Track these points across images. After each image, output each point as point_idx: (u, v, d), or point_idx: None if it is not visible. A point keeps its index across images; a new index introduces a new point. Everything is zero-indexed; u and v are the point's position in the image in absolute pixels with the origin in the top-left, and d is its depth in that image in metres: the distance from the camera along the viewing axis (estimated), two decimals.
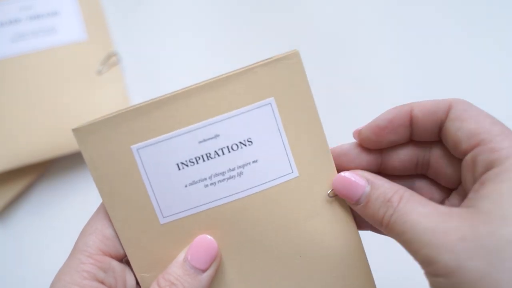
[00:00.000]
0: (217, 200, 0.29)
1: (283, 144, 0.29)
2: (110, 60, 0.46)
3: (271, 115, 0.28)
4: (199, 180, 0.28)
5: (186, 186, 0.28)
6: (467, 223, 0.23)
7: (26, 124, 0.45)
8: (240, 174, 0.28)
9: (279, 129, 0.29)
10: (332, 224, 0.29)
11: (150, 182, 0.28)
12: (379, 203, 0.26)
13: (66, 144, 0.45)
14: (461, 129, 0.25)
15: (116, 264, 0.29)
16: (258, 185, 0.29)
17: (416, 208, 0.25)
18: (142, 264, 0.29)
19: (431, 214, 0.24)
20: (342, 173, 0.28)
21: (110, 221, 0.29)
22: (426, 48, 0.49)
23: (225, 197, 0.29)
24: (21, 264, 0.47)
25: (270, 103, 0.28)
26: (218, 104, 0.28)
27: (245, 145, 0.28)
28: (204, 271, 0.28)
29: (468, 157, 0.25)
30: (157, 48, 0.48)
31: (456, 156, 0.27)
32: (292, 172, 0.29)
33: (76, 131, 0.28)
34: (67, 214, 0.48)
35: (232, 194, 0.29)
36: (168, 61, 0.48)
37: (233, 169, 0.28)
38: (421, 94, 0.46)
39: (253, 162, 0.28)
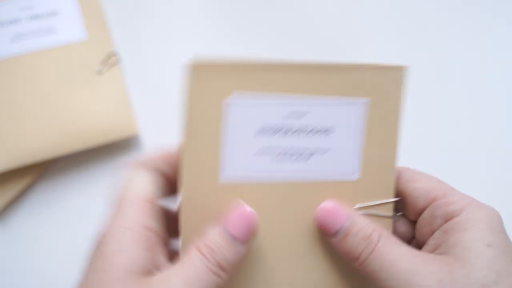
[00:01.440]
0: (277, 176, 0.29)
1: (357, 146, 0.29)
2: (110, 60, 0.46)
3: (359, 115, 0.29)
4: (270, 152, 0.29)
5: (255, 154, 0.29)
6: (443, 268, 0.25)
7: (25, 124, 0.44)
8: (307, 158, 0.29)
9: (359, 130, 0.29)
10: None
11: (226, 139, 0.28)
12: (358, 239, 0.28)
13: (66, 144, 0.45)
14: (416, 189, 0.29)
15: (154, 238, 0.28)
16: (318, 174, 0.30)
17: (394, 248, 0.27)
18: (190, 217, 0.29)
19: (408, 256, 0.26)
20: (326, 203, 0.29)
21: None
22: (426, 46, 0.50)
23: (285, 176, 0.29)
24: (21, 264, 0.47)
25: (363, 103, 0.29)
26: (320, 86, 0.28)
27: (325, 132, 0.29)
28: (243, 242, 0.28)
29: (425, 213, 0.29)
30: (157, 48, 0.48)
31: (409, 217, 0.31)
32: (355, 174, 0.30)
33: (192, 67, 0.27)
34: (67, 214, 0.47)
35: (294, 175, 0.29)
36: (168, 61, 0.48)
37: (305, 151, 0.29)
38: (421, 93, 0.47)
39: (325, 151, 0.29)
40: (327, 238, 0.29)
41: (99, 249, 0.26)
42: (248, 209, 0.28)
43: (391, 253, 0.27)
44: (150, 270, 0.26)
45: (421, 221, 0.30)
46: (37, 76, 0.45)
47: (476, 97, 0.49)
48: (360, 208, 0.30)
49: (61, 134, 0.44)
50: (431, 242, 0.28)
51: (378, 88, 0.29)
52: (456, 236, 0.27)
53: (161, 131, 0.47)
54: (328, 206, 0.29)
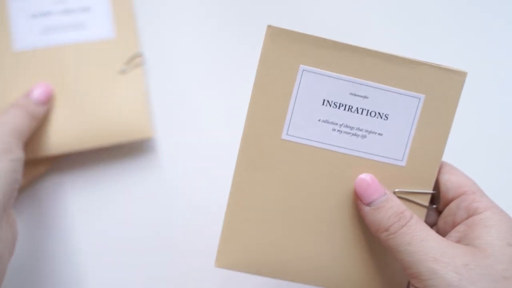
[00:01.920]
0: (333, 145, 0.32)
1: (408, 136, 0.32)
2: (135, 60, 0.47)
3: (414, 108, 0.32)
4: (331, 122, 0.32)
5: (319, 120, 0.32)
6: (468, 254, 0.28)
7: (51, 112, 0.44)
8: (363, 136, 0.32)
9: (413, 122, 0.32)
10: None
11: (295, 100, 0.31)
12: (392, 212, 0.30)
13: (80, 140, 0.44)
14: (449, 181, 0.32)
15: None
16: (371, 154, 0.32)
17: (425, 228, 0.29)
18: (246, 162, 0.32)
19: (437, 238, 0.29)
20: (368, 174, 0.32)
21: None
22: (428, 45, 0.51)
23: (340, 147, 0.32)
24: (24, 260, 0.44)
25: (420, 98, 0.32)
26: (384, 74, 0.31)
27: (381, 117, 0.32)
28: (43, 104, 0.42)
29: (452, 204, 0.32)
30: (181, 52, 0.49)
31: (437, 207, 0.34)
32: (401, 161, 0.33)
33: (271, 28, 0.31)
34: (71, 213, 0.46)
35: (347, 148, 0.32)
36: (192, 65, 0.49)
37: (361, 130, 0.32)
38: None
39: (379, 134, 0.32)
40: (360, 207, 0.32)
41: None
42: (44, 83, 0.43)
43: (422, 231, 0.29)
44: None
45: (447, 211, 0.33)
46: (61, 70, 0.45)
47: (476, 96, 0.50)
48: (400, 192, 0.33)
49: (77, 129, 0.44)
50: (454, 234, 0.31)
51: (437, 87, 0.32)
52: (480, 230, 0.29)
53: (179, 135, 0.48)
54: (370, 177, 0.32)
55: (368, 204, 0.31)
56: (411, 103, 0.32)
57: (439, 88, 0.32)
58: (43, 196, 0.45)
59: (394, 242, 0.29)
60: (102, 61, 0.46)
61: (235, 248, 0.33)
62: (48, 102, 0.43)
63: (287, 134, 0.32)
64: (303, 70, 0.31)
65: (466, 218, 0.31)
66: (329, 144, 0.32)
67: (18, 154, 0.37)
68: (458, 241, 0.30)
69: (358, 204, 0.32)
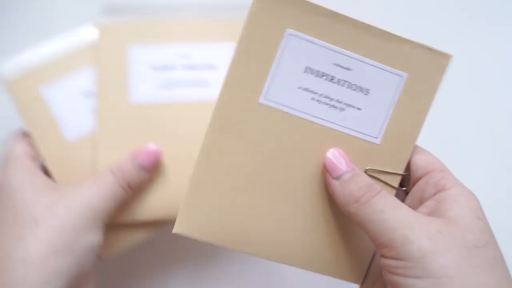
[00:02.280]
0: (310, 115, 0.32)
1: (386, 114, 0.32)
2: None
3: (395, 86, 0.32)
4: (311, 91, 0.31)
5: (299, 88, 0.31)
6: (442, 224, 0.28)
7: (167, 175, 0.40)
8: (342, 109, 0.32)
9: (392, 100, 0.32)
10: None
11: (277, 65, 0.31)
12: (361, 184, 0.30)
13: None
14: (419, 159, 0.32)
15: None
16: (347, 128, 0.32)
17: (395, 200, 0.29)
18: (219, 122, 0.31)
19: (408, 209, 0.29)
20: (337, 149, 0.32)
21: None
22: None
23: (317, 117, 0.32)
24: None
25: (402, 76, 0.31)
26: (370, 48, 0.31)
27: (362, 92, 0.32)
28: (147, 170, 0.38)
29: (421, 181, 0.32)
30: None
31: (406, 190, 0.33)
32: (376, 138, 0.32)
33: None
34: None
35: (324, 120, 0.32)
36: None
37: (340, 102, 0.32)
38: None
39: (357, 108, 0.32)
40: (329, 181, 0.31)
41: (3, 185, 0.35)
42: (155, 147, 0.39)
43: (394, 200, 0.29)
44: (55, 189, 0.35)
45: (415, 188, 0.33)
46: (179, 128, 0.41)
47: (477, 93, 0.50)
48: (371, 170, 0.32)
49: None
50: (422, 209, 0.31)
51: (420, 67, 0.31)
52: (450, 204, 0.29)
53: None
54: (339, 152, 0.32)
55: (337, 178, 0.31)
56: (393, 81, 0.31)
57: (422, 68, 0.31)
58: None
59: (366, 211, 0.29)
60: None
61: (198, 214, 0.31)
62: (153, 169, 0.38)
63: (264, 98, 0.31)
64: (288, 34, 0.30)
65: (434, 194, 0.31)
66: (306, 114, 0.31)
67: (93, 238, 0.34)
68: (428, 215, 0.30)
69: (327, 178, 0.31)
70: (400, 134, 0.32)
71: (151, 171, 0.38)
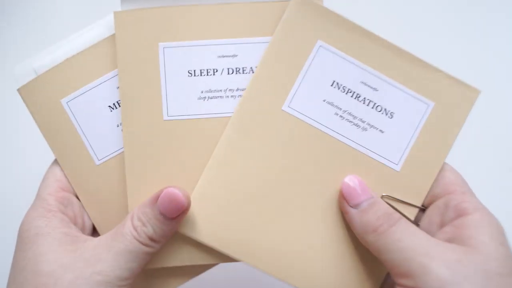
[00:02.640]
0: (331, 130, 0.31)
1: (409, 141, 0.31)
2: None
3: (422, 114, 0.31)
4: (336, 106, 0.31)
5: (324, 100, 0.31)
6: (461, 252, 0.27)
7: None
8: (364, 129, 0.31)
9: (416, 128, 0.31)
10: None
11: (305, 74, 0.31)
12: (381, 213, 0.29)
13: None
14: (440, 175, 0.31)
15: (75, 200, 0.33)
16: (367, 149, 0.31)
17: (415, 228, 0.28)
18: (239, 124, 0.31)
19: (428, 236, 0.28)
20: (355, 177, 0.31)
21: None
22: (430, 46, 0.50)
23: (338, 133, 0.31)
24: None
25: (429, 105, 0.31)
26: (400, 71, 0.31)
27: (386, 114, 0.31)
28: (172, 219, 0.30)
29: (440, 201, 0.30)
30: None
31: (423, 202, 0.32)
32: (396, 164, 0.31)
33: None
34: None
35: (345, 137, 0.31)
36: None
37: (364, 121, 0.31)
38: None
39: (380, 130, 0.31)
40: (346, 209, 0.30)
41: (20, 237, 0.30)
42: (177, 191, 0.29)
43: (412, 227, 0.28)
44: (72, 242, 0.30)
45: (434, 208, 0.31)
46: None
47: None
48: (387, 197, 0.31)
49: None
50: (441, 235, 0.29)
51: (448, 98, 0.31)
52: (471, 231, 0.28)
53: None
54: (357, 179, 0.30)
55: (355, 206, 0.30)
56: (420, 108, 0.31)
57: (450, 100, 0.31)
58: None
59: (383, 242, 0.28)
60: None
61: (204, 216, 0.31)
62: (180, 218, 0.30)
63: (288, 106, 0.31)
64: (320, 45, 0.30)
65: (454, 219, 0.29)
66: (328, 128, 0.31)
67: None
68: (447, 242, 0.28)
69: (344, 206, 0.30)
70: (421, 164, 0.31)
71: (178, 220, 0.30)
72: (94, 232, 0.34)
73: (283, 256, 0.31)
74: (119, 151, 0.33)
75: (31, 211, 0.31)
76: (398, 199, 0.31)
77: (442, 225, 0.30)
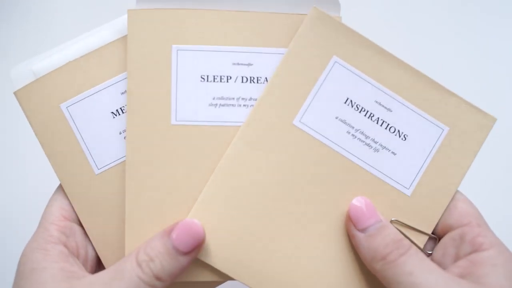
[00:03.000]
0: (342, 148, 0.30)
1: (422, 165, 0.30)
2: None
3: (436, 138, 0.30)
4: (348, 124, 0.30)
5: (336, 118, 0.30)
6: None
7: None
8: (376, 150, 0.30)
9: (430, 152, 0.30)
10: None
11: (319, 89, 0.30)
12: (389, 239, 0.27)
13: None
14: (455, 206, 0.30)
15: (77, 229, 0.31)
16: (378, 171, 0.30)
17: (426, 259, 0.27)
18: (248, 136, 0.30)
19: (439, 270, 0.27)
20: (364, 198, 0.29)
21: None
22: (430, 48, 0.52)
23: (349, 153, 0.30)
24: None
25: (443, 130, 0.30)
26: (415, 93, 0.30)
27: (399, 136, 0.30)
28: (185, 254, 0.27)
29: (454, 233, 0.29)
30: None
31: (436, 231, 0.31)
32: (407, 189, 0.30)
33: (315, 11, 0.30)
34: None
35: (356, 157, 0.30)
36: None
37: (376, 142, 0.30)
38: None
39: (392, 152, 0.30)
40: (353, 233, 0.29)
41: (18, 270, 0.28)
42: (196, 221, 0.28)
43: (424, 261, 0.27)
44: (68, 279, 0.27)
45: (449, 239, 0.29)
46: None
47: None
48: (396, 222, 0.30)
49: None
50: (455, 269, 0.28)
51: (463, 124, 0.30)
52: (486, 269, 0.27)
53: None
54: (366, 201, 0.29)
55: (363, 230, 0.28)
56: (434, 132, 0.30)
57: (465, 126, 0.30)
58: None
59: (393, 272, 0.26)
60: None
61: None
62: (193, 253, 0.28)
63: (299, 121, 0.30)
64: (335, 61, 0.30)
65: (470, 253, 0.28)
66: (339, 146, 0.30)
67: None
68: (460, 277, 0.27)
69: (351, 230, 0.29)
70: (433, 191, 0.30)
71: (191, 256, 0.27)
72: (100, 264, 0.31)
73: (286, 281, 0.29)
74: (121, 160, 0.31)
75: (31, 241, 0.29)
76: (408, 226, 0.30)
77: (456, 258, 0.29)
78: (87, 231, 0.31)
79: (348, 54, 0.30)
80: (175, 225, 0.27)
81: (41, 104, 0.31)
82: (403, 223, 0.30)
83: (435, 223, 0.30)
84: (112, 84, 0.31)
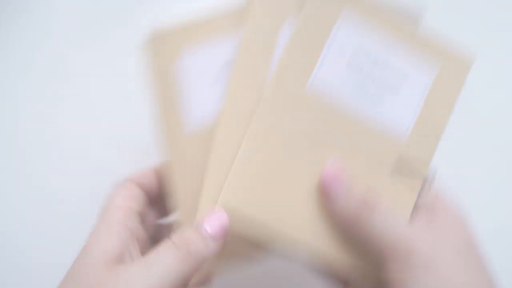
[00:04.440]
0: (351, 96, 0.32)
1: (418, 106, 0.32)
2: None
3: (430, 76, 0.33)
4: (357, 68, 0.32)
5: (347, 65, 0.32)
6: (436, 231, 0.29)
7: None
8: (379, 90, 0.32)
9: (423, 93, 0.33)
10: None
11: (326, 52, 0.32)
12: (356, 203, 0.30)
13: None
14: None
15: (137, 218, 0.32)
16: (380, 115, 0.32)
17: (393, 212, 0.30)
18: (271, 104, 0.31)
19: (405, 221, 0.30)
20: (333, 166, 0.31)
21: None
22: None
23: (355, 100, 0.32)
24: None
25: (435, 67, 0.33)
26: (413, 39, 0.33)
27: (402, 77, 0.33)
28: (215, 240, 0.30)
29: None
30: None
31: None
32: (406, 131, 0.32)
33: None
34: None
35: (362, 105, 0.32)
36: None
37: (379, 84, 0.33)
38: None
39: (395, 94, 0.33)
40: (328, 200, 0.31)
41: (83, 247, 0.30)
42: (223, 213, 0.31)
43: (390, 215, 0.30)
44: (122, 258, 0.29)
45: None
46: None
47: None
48: (395, 170, 0.32)
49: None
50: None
51: (448, 62, 0.33)
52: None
53: None
54: (335, 168, 0.31)
55: (335, 199, 0.31)
56: (428, 71, 0.33)
57: (451, 64, 0.33)
58: None
59: (365, 231, 0.30)
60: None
61: (243, 189, 0.31)
62: (224, 236, 0.31)
63: (312, 84, 0.32)
64: (344, 14, 0.32)
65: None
66: (348, 96, 0.32)
67: None
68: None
69: (326, 196, 0.31)
70: (429, 129, 0.32)
71: (221, 238, 0.31)
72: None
73: (308, 240, 0.31)
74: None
75: (95, 230, 0.30)
76: (406, 169, 0.31)
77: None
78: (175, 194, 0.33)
79: (354, 7, 0.32)
80: (207, 215, 0.30)
81: (163, 54, 0.32)
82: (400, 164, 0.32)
83: (429, 163, 0.32)
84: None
